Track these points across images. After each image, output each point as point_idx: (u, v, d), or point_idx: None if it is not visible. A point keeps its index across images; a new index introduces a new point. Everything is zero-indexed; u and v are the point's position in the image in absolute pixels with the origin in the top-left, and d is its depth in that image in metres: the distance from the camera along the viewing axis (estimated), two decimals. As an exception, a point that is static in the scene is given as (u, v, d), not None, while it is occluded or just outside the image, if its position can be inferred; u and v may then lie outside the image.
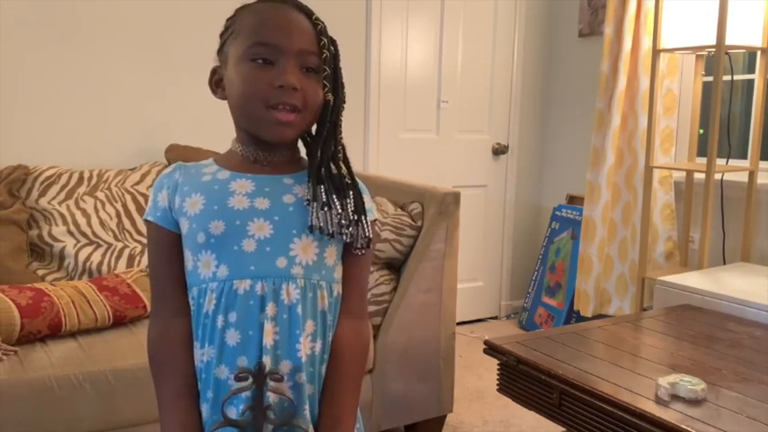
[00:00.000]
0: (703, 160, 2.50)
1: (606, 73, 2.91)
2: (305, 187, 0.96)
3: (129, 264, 2.21)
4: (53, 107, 2.48)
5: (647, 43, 2.79)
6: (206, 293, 0.93)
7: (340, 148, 0.98)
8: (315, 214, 0.93)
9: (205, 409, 0.94)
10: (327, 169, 0.96)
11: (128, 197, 2.36)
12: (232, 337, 0.91)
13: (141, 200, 2.37)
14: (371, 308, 2.06)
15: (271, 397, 0.91)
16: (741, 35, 2.40)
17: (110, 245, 2.25)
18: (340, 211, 0.95)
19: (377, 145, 3.22)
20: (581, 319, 3.01)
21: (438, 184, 2.26)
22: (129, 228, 2.32)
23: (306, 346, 0.93)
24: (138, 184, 2.41)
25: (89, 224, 2.25)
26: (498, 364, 1.62)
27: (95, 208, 2.29)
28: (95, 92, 2.55)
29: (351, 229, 0.95)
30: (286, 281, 0.92)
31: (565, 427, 1.46)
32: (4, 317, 1.70)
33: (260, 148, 0.98)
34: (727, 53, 2.46)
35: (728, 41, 2.35)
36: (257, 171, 0.98)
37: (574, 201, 3.45)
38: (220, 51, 0.99)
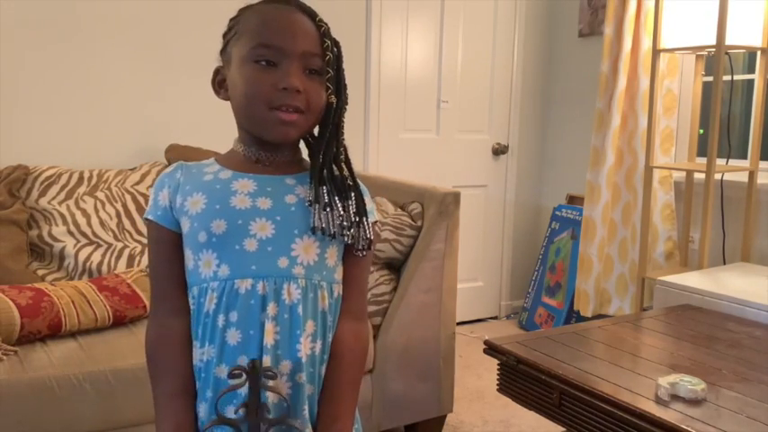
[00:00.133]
0: (703, 160, 2.50)
1: (606, 73, 2.91)
2: (307, 188, 0.97)
3: (129, 264, 2.21)
4: (53, 107, 2.48)
5: (647, 43, 2.79)
6: (207, 293, 0.93)
7: (342, 149, 0.99)
8: (317, 215, 0.94)
9: (203, 408, 0.94)
10: (329, 171, 0.97)
11: (128, 197, 2.36)
12: (233, 337, 0.91)
13: (141, 200, 2.37)
14: (371, 308, 2.06)
15: (270, 397, 0.91)
16: (741, 35, 2.40)
17: (110, 245, 2.25)
18: (341, 212, 0.95)
19: (377, 145, 3.22)
20: (581, 319, 3.01)
21: (438, 184, 2.26)
22: (129, 228, 2.32)
23: (306, 347, 0.93)
24: (138, 184, 2.41)
25: (89, 224, 2.25)
26: (498, 364, 1.62)
27: (95, 208, 2.29)
28: (95, 92, 2.55)
29: (352, 230, 0.96)
30: (287, 281, 0.93)
31: (565, 427, 1.46)
32: (4, 317, 1.70)
33: (262, 149, 0.98)
34: (727, 53, 2.46)
35: (728, 41, 2.35)
36: (259, 171, 0.98)
37: (574, 201, 3.45)
38: (223, 51, 0.99)
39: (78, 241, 2.22)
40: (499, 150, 3.55)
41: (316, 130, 0.99)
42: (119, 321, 1.92)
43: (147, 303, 1.95)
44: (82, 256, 2.19)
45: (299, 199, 0.96)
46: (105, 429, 1.68)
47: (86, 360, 1.69)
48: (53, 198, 2.26)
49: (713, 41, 2.36)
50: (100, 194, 2.33)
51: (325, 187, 0.95)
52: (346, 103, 0.98)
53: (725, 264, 2.65)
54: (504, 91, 3.54)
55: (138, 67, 2.62)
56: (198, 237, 0.93)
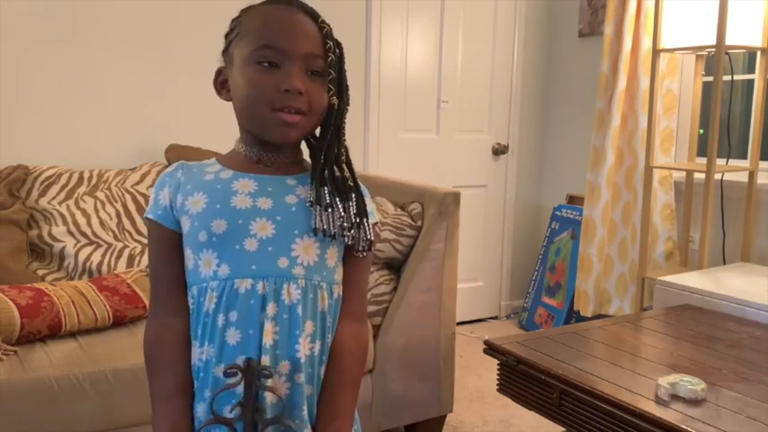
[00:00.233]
0: (703, 160, 2.50)
1: (606, 73, 2.91)
2: (308, 188, 0.97)
3: (129, 264, 2.21)
4: (53, 107, 2.48)
5: (647, 43, 2.79)
6: (206, 292, 0.93)
7: (343, 150, 0.99)
8: (318, 216, 0.94)
9: (201, 408, 0.94)
10: (331, 172, 0.97)
11: (128, 197, 2.36)
12: (232, 336, 0.91)
13: (141, 200, 2.37)
14: (371, 308, 2.06)
15: (267, 397, 0.91)
16: (741, 35, 2.40)
17: (110, 245, 2.25)
18: (342, 213, 0.95)
19: (377, 145, 3.22)
20: (581, 319, 3.01)
21: (438, 184, 2.26)
22: (129, 228, 2.32)
23: (305, 347, 0.94)
24: (138, 184, 2.41)
25: (89, 224, 2.25)
26: (498, 364, 1.62)
27: (95, 208, 2.29)
28: (95, 92, 2.55)
29: (353, 231, 0.96)
30: (287, 281, 0.93)
31: (565, 427, 1.46)
32: (4, 317, 1.70)
33: (263, 149, 0.98)
34: (727, 53, 2.46)
35: (728, 41, 2.35)
36: (260, 171, 0.98)
37: (574, 201, 3.45)
38: (225, 52, 0.99)
39: (78, 241, 2.22)
40: (499, 150, 3.55)
41: (317, 131, 0.99)
42: (119, 321, 1.92)
43: (147, 303, 1.95)
44: (82, 256, 2.19)
45: (299, 199, 0.96)
46: (105, 429, 1.68)
47: (86, 360, 1.69)
48: (53, 198, 2.26)
49: (713, 41, 2.36)
50: (100, 194, 2.33)
51: (326, 188, 0.95)
52: (348, 105, 0.98)
53: (725, 264, 2.65)
54: (504, 91, 3.54)
55: (138, 67, 2.62)
56: (198, 236, 0.93)
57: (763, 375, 1.46)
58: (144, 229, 2.32)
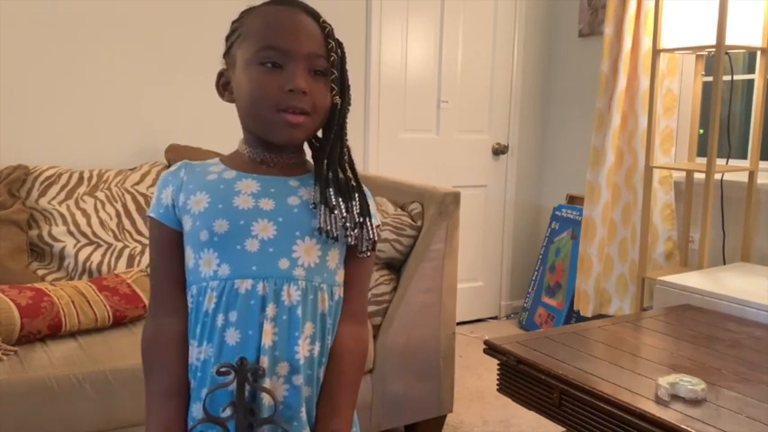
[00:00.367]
0: (703, 160, 2.50)
1: (606, 73, 2.91)
2: (310, 190, 0.97)
3: (129, 264, 2.21)
4: (53, 107, 2.48)
5: (647, 43, 2.79)
6: (206, 292, 0.93)
7: (346, 150, 0.99)
8: (322, 217, 0.94)
9: (197, 408, 0.94)
10: (335, 173, 0.97)
11: (128, 197, 2.36)
12: (232, 337, 0.91)
13: (141, 200, 2.37)
14: (371, 308, 2.06)
15: (264, 398, 0.91)
16: (741, 35, 2.40)
17: (110, 245, 2.25)
18: (345, 213, 0.95)
19: (377, 145, 3.22)
20: (581, 319, 3.01)
21: (438, 184, 2.26)
22: (129, 228, 2.32)
23: (304, 348, 0.93)
24: (138, 184, 2.41)
25: (89, 224, 2.25)
26: (498, 364, 1.62)
27: (95, 208, 2.29)
28: (95, 92, 2.55)
29: (355, 231, 0.96)
30: (287, 282, 0.93)
31: (565, 427, 1.46)
32: (4, 317, 1.70)
33: (267, 150, 0.98)
34: (727, 53, 2.46)
35: (728, 41, 2.35)
36: (263, 172, 0.98)
37: (574, 201, 3.45)
38: (227, 54, 0.99)
39: (78, 241, 2.22)
40: (499, 150, 3.55)
41: (319, 132, 0.99)
42: (119, 321, 1.92)
43: (147, 303, 1.95)
44: (82, 256, 2.19)
45: (301, 201, 0.96)
46: (105, 429, 1.68)
47: (86, 360, 1.69)
48: (53, 198, 2.26)
49: (713, 41, 2.36)
50: (100, 194, 2.33)
51: (330, 189, 0.95)
52: (350, 104, 0.98)
53: (725, 264, 2.65)
54: (504, 91, 3.54)
55: (138, 67, 2.62)
56: (200, 235, 0.93)
57: (763, 375, 1.46)
58: (144, 230, 2.32)
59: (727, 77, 2.54)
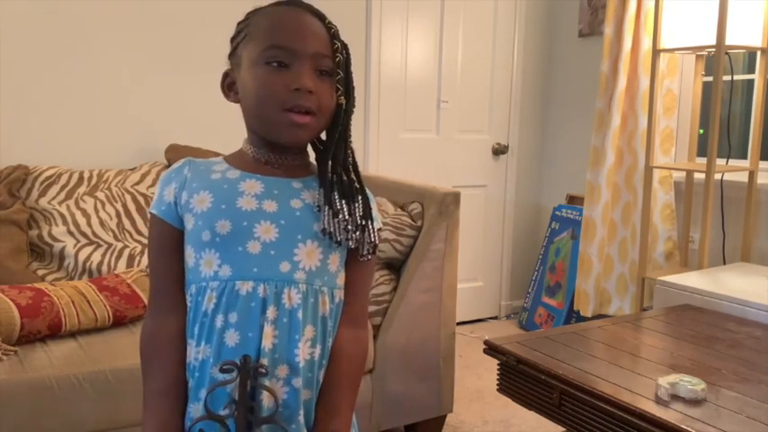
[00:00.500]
0: (703, 160, 2.50)
1: (606, 73, 2.91)
2: (313, 192, 0.97)
3: (129, 264, 2.21)
4: (53, 107, 2.48)
5: (647, 43, 2.79)
6: (205, 292, 0.93)
7: (350, 152, 0.99)
8: (326, 219, 0.94)
9: (195, 408, 0.94)
10: (338, 175, 0.97)
11: (128, 197, 2.36)
12: (231, 338, 0.91)
13: (141, 200, 2.37)
14: (371, 308, 2.06)
15: (264, 399, 0.90)
16: (741, 35, 2.40)
17: (110, 245, 2.25)
18: (347, 216, 0.95)
19: (377, 145, 3.22)
20: (581, 319, 3.01)
21: (438, 184, 2.26)
22: (129, 228, 2.32)
23: (305, 351, 0.93)
24: (138, 184, 2.41)
25: (89, 224, 2.25)
26: (498, 364, 1.62)
27: (95, 208, 2.29)
28: (96, 92, 2.55)
29: (357, 234, 0.96)
30: (288, 285, 0.93)
31: (565, 427, 1.46)
32: (4, 317, 1.70)
33: (272, 151, 0.98)
34: (727, 53, 2.46)
35: (728, 41, 2.35)
36: (267, 173, 0.98)
37: (574, 201, 3.45)
38: (232, 55, 0.99)
39: (78, 241, 2.22)
40: (499, 150, 3.55)
41: (323, 135, 0.99)
42: (119, 321, 1.92)
43: (147, 302, 1.95)
44: (82, 256, 2.19)
45: (304, 204, 0.96)
46: (105, 429, 1.68)
47: (86, 360, 1.69)
48: (53, 198, 2.26)
49: (713, 41, 2.36)
50: (100, 194, 2.33)
51: (335, 193, 0.95)
52: (354, 105, 0.98)
53: (725, 264, 2.65)
54: (504, 91, 3.54)
55: (139, 67, 2.62)
56: (201, 235, 0.93)
57: (763, 375, 1.46)
58: (144, 230, 2.32)
59: (727, 77, 2.54)
